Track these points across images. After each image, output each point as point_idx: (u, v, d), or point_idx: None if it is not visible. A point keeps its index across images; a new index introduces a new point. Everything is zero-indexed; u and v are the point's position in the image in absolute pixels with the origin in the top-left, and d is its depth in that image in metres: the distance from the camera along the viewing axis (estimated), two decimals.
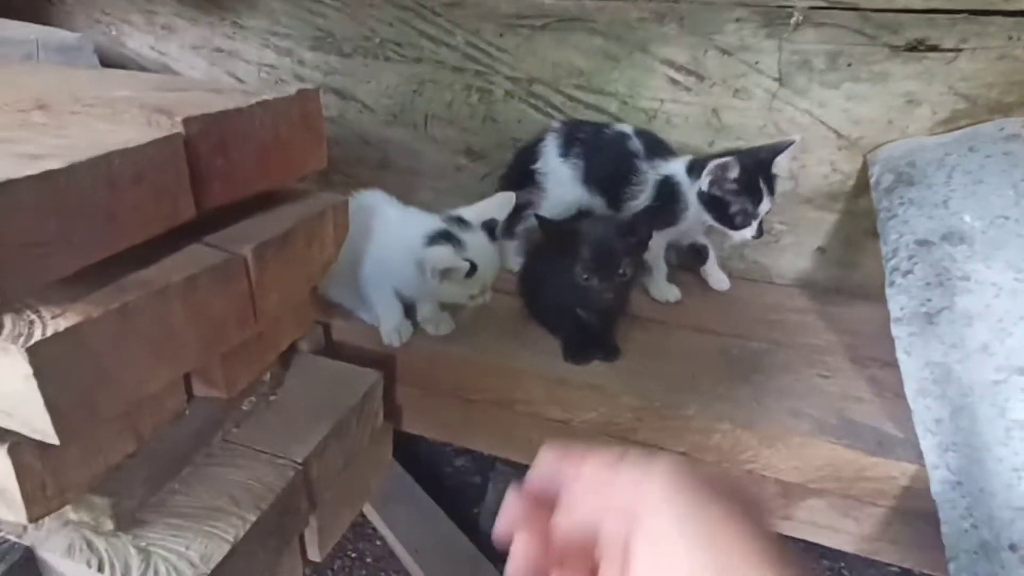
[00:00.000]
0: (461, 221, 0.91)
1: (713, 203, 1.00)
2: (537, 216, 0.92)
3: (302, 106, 0.73)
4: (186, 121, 0.59)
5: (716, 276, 1.18)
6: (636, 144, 1.07)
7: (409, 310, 1.00)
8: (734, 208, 0.99)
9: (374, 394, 0.92)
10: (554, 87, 1.17)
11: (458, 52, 1.20)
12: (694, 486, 0.28)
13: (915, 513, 0.83)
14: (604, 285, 0.88)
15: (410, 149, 1.32)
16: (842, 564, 1.30)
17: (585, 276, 0.88)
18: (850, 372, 0.97)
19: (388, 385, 1.00)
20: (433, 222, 0.92)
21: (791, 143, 0.96)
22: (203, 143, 0.61)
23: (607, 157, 1.08)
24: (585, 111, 1.18)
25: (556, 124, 1.14)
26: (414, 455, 1.48)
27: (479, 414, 1.01)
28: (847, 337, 1.05)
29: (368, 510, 1.28)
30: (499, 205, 0.95)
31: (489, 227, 0.92)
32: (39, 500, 0.60)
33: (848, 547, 0.91)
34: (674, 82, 1.11)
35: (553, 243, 0.92)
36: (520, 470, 1.29)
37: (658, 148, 1.08)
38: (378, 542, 1.26)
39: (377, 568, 1.22)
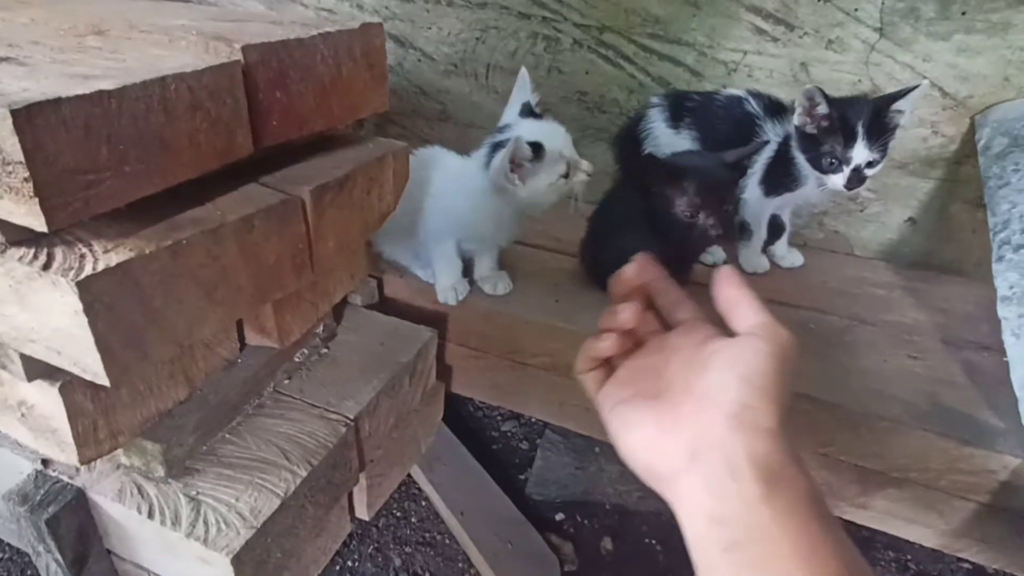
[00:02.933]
0: (501, 128, 0.87)
1: (804, 140, 0.92)
2: (648, 155, 0.84)
3: (365, 41, 0.69)
4: (245, 49, 0.55)
5: (787, 256, 1.09)
6: (754, 106, 0.99)
7: (466, 269, 0.96)
8: (824, 147, 0.90)
9: (428, 352, 0.89)
10: (626, 36, 1.09)
11: None
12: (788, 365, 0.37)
13: (1015, 511, 0.76)
14: (714, 219, 0.81)
15: (469, 101, 1.26)
16: (908, 556, 1.23)
17: (692, 212, 0.81)
18: (942, 354, 0.89)
19: (439, 345, 0.97)
20: (479, 156, 0.87)
21: (913, 89, 0.86)
22: (262, 73, 0.57)
23: (725, 123, 1.01)
24: (659, 63, 1.10)
25: (655, 98, 1.06)
26: (460, 417, 1.46)
27: (532, 379, 0.97)
28: (938, 316, 0.97)
29: (414, 470, 1.26)
30: (519, 89, 0.89)
31: (527, 110, 0.87)
32: (90, 442, 0.58)
33: (929, 542, 0.84)
34: (759, 31, 1.01)
35: (649, 185, 0.84)
36: (570, 438, 1.26)
37: (777, 108, 0.99)
38: (423, 503, 1.24)
39: (422, 529, 1.21)
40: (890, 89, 0.97)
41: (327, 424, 0.73)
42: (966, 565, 1.20)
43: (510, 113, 0.89)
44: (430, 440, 0.99)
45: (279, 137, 0.61)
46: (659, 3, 1.05)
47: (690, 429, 0.37)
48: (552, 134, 0.83)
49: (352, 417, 0.74)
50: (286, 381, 0.79)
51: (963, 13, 0.90)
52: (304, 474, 0.67)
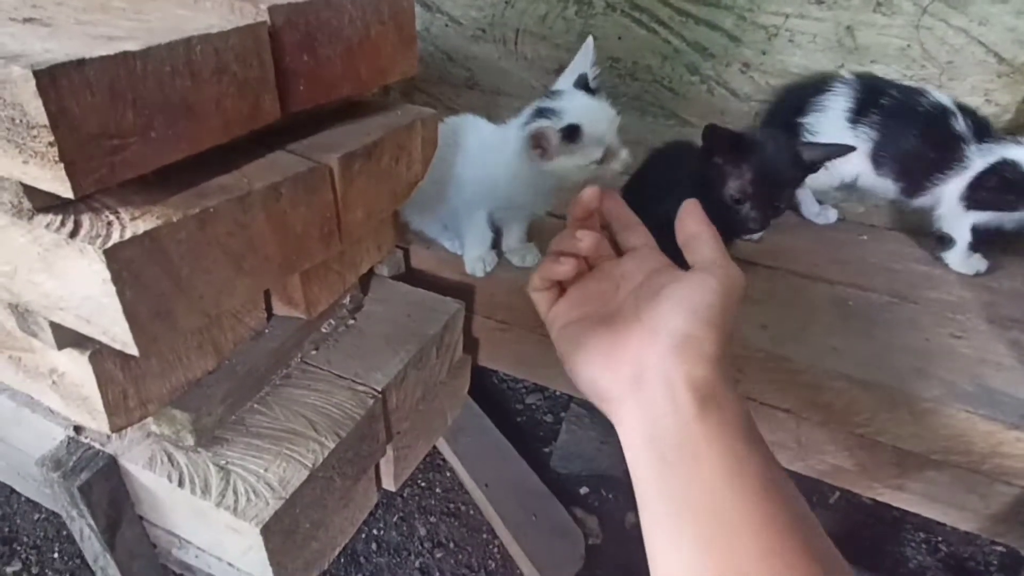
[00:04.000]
0: (552, 93, 0.81)
1: None
2: (710, 125, 0.74)
3: (393, 2, 0.66)
4: (272, 10, 0.53)
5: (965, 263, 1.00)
6: (961, 124, 0.89)
7: (494, 242, 0.94)
8: None
9: (455, 324, 0.88)
10: None
11: None
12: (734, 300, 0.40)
13: None
14: (757, 214, 0.76)
15: (497, 68, 1.22)
16: (939, 538, 1.21)
17: (739, 198, 0.76)
18: (988, 333, 0.86)
19: (466, 317, 0.95)
20: (522, 117, 0.82)
21: None
22: (289, 35, 0.55)
23: (920, 137, 0.91)
24: (695, 27, 1.05)
25: (848, 76, 0.96)
26: (485, 389, 1.46)
27: None
28: (984, 294, 0.93)
29: (439, 441, 1.27)
30: (582, 56, 0.83)
31: (582, 83, 0.81)
32: (121, 410, 0.58)
33: (967, 526, 0.82)
34: None
35: (712, 154, 0.76)
36: (596, 412, 1.25)
37: (986, 130, 0.90)
38: (448, 473, 1.25)
39: (446, 499, 1.21)
40: (941, 55, 0.93)
41: (355, 395, 0.72)
42: (999, 548, 1.17)
43: (565, 80, 0.84)
44: (456, 413, 0.98)
45: (306, 102, 0.59)
46: None
47: (637, 355, 0.39)
48: (598, 116, 0.78)
49: (380, 389, 0.73)
50: (313, 352, 0.78)
51: None
52: (332, 446, 0.66)
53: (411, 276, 0.99)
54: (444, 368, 0.88)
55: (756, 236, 0.99)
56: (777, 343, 0.82)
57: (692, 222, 0.44)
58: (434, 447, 1.28)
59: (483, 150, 0.86)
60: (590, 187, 0.48)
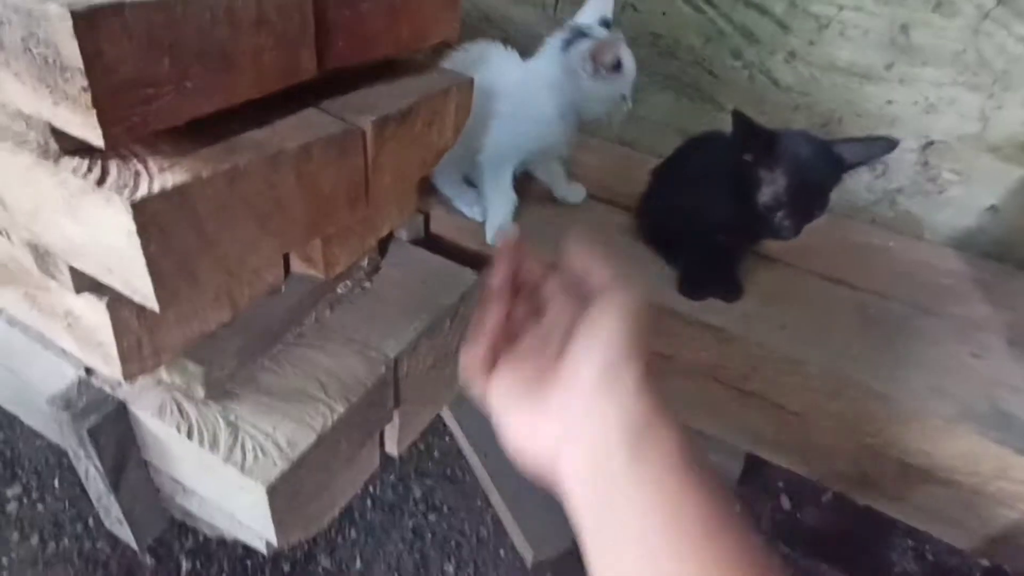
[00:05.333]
0: (578, 27, 0.84)
1: None
2: (736, 112, 0.72)
3: None
4: None
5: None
6: None
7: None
8: None
9: (471, 296, 0.87)
10: None
11: None
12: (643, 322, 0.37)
13: None
14: (790, 223, 0.74)
15: (534, 33, 1.17)
16: (926, 545, 1.22)
17: (772, 206, 0.74)
18: (1008, 355, 0.84)
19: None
20: (556, 39, 0.85)
21: None
22: None
23: None
24: (744, 10, 1.01)
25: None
26: None
27: None
28: (1008, 314, 0.91)
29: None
30: (600, 1, 0.86)
31: (605, 24, 0.85)
32: (135, 358, 0.58)
33: (962, 543, 0.82)
34: None
35: (742, 150, 0.75)
36: None
37: None
38: (448, 439, 1.26)
39: (444, 464, 1.22)
40: (998, 62, 0.89)
41: (367, 361, 0.72)
42: (984, 561, 1.19)
43: (586, 18, 0.86)
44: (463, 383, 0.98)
45: (344, 60, 0.57)
46: None
47: (560, 411, 0.37)
48: (629, 55, 0.83)
49: (392, 356, 0.73)
50: (328, 313, 0.77)
51: None
52: (342, 410, 0.66)
53: (430, 241, 0.98)
54: (456, 339, 0.88)
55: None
56: (794, 345, 0.81)
57: (578, 259, 0.43)
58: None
59: (515, 89, 0.85)
60: (497, 260, 0.45)
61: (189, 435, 0.62)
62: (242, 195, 0.50)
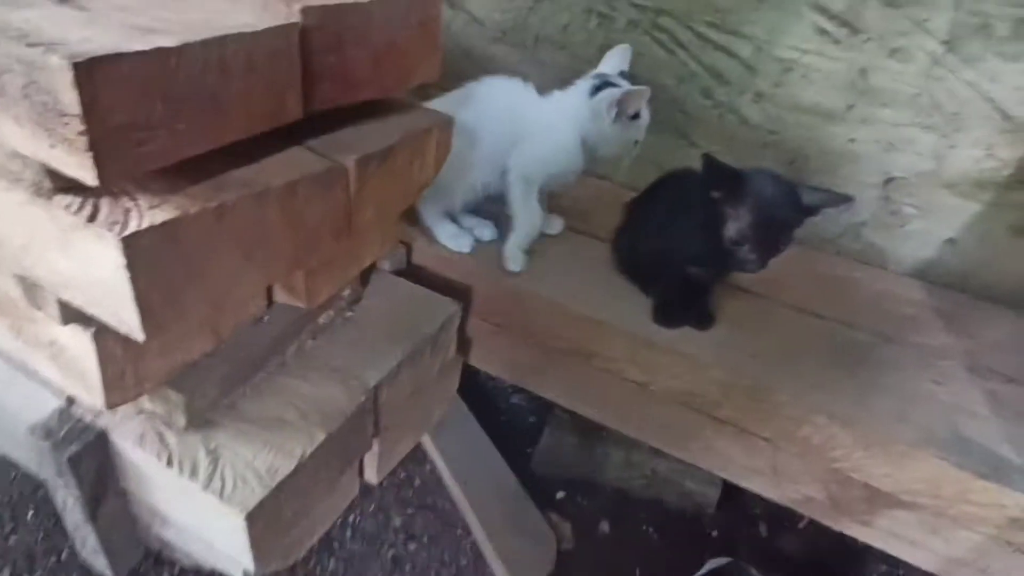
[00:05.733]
0: (603, 77, 0.94)
1: None
2: (706, 155, 0.77)
3: (422, 10, 0.67)
4: (305, 11, 0.54)
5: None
6: None
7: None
8: None
9: (451, 325, 0.89)
10: (684, 22, 1.06)
11: None
12: None
13: (1020, 547, 0.76)
14: (755, 257, 0.78)
15: (514, 71, 1.21)
16: (900, 571, 1.24)
17: (737, 240, 0.77)
18: (967, 382, 0.88)
19: (462, 317, 0.97)
20: (585, 83, 0.94)
21: None
22: (319, 36, 0.56)
23: None
24: (713, 52, 1.06)
25: None
26: (471, 385, 1.47)
27: (553, 362, 0.97)
28: (967, 342, 0.95)
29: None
30: (620, 56, 0.97)
31: (623, 76, 0.95)
32: (117, 387, 0.59)
33: (928, 565, 0.85)
34: (822, 31, 0.98)
35: (709, 188, 0.79)
36: (579, 418, 1.26)
37: None
38: (428, 467, 1.26)
39: (424, 492, 1.23)
40: (950, 105, 0.94)
41: (347, 390, 0.74)
42: None
43: (608, 68, 0.96)
44: (444, 411, 1.00)
45: (330, 101, 0.60)
46: None
47: None
48: (647, 107, 0.92)
49: (372, 385, 0.75)
50: (310, 342, 0.79)
51: None
52: (322, 438, 0.67)
53: (412, 271, 1.00)
54: (436, 368, 0.90)
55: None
56: (764, 373, 0.84)
57: None
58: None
59: (550, 117, 0.93)
60: None
61: (169, 463, 0.63)
62: (229, 230, 0.52)
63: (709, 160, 0.75)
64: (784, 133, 1.07)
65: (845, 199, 0.78)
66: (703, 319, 0.90)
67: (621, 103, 0.88)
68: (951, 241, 1.05)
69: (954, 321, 1.00)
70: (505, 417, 1.42)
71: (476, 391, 1.45)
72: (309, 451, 0.66)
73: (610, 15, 1.10)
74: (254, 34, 0.49)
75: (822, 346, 0.91)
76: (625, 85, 0.91)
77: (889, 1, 0.92)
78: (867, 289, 1.06)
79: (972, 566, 0.81)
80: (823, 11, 0.97)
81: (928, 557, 0.84)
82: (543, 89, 0.99)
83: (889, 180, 1.04)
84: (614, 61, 0.97)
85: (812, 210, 0.77)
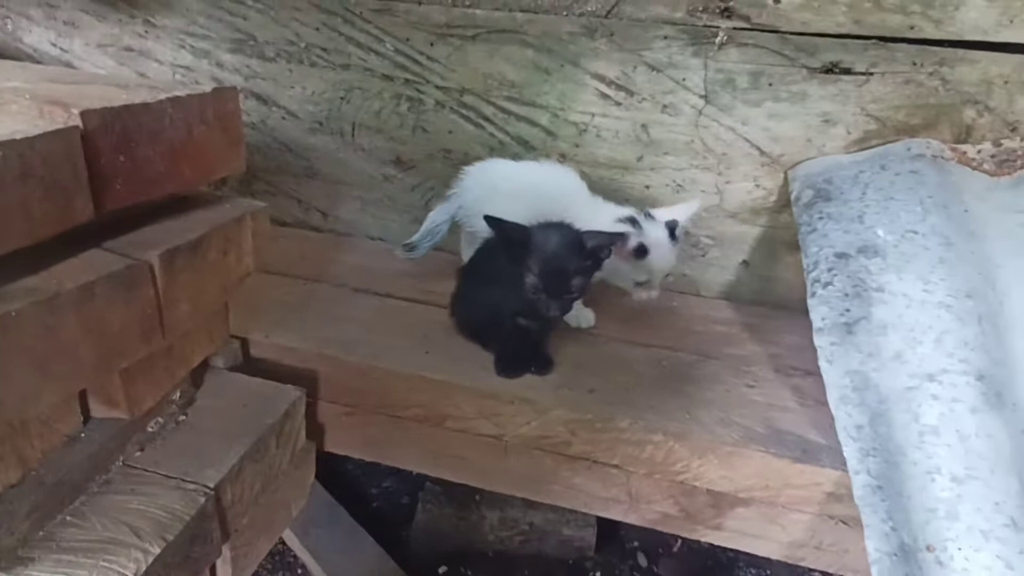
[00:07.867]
0: (648, 215, 1.00)
1: None
2: (488, 217, 0.84)
3: (218, 105, 0.69)
4: (84, 114, 0.54)
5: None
6: None
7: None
8: None
9: (295, 412, 0.87)
10: (485, 98, 1.16)
11: (387, 60, 1.16)
12: None
13: (840, 518, 0.85)
14: (554, 304, 0.85)
15: (336, 158, 1.27)
16: (768, 571, 1.33)
17: (533, 291, 0.85)
18: (775, 382, 0.99)
19: (311, 403, 0.95)
20: (623, 210, 1.01)
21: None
22: (104, 138, 0.56)
23: None
24: (516, 123, 1.17)
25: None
26: (338, 476, 1.42)
27: (407, 431, 0.97)
28: (771, 348, 1.08)
29: (288, 536, 1.21)
30: (685, 209, 1.03)
31: (670, 227, 0.99)
32: None
33: (775, 554, 0.92)
34: (604, 96, 1.12)
35: (503, 248, 0.87)
36: (450, 488, 1.26)
37: None
38: (299, 571, 1.19)
39: None
40: (718, 148, 1.10)
41: (184, 495, 0.70)
42: (817, 574, 1.31)
43: (660, 212, 1.01)
44: (302, 503, 0.96)
45: (124, 201, 0.60)
46: (513, 69, 1.13)
47: None
48: (665, 256, 0.99)
49: (212, 486, 0.71)
50: (138, 453, 0.74)
51: (769, 84, 1.04)
52: (157, 551, 0.63)
53: (251, 366, 0.98)
54: (286, 458, 0.87)
55: (580, 322, 1.09)
56: (603, 405, 0.90)
57: None
58: (283, 543, 1.22)
59: (582, 213, 0.96)
60: None
61: None
62: (16, 342, 0.49)
63: (491, 221, 0.84)
64: (590, 187, 1.19)
65: (620, 236, 0.91)
66: (542, 365, 0.95)
67: (617, 248, 0.93)
68: (745, 263, 1.20)
69: (758, 332, 1.13)
70: (377, 503, 1.39)
71: (344, 482, 1.41)
72: (144, 568, 0.61)
73: (418, 97, 1.18)
74: (26, 140, 0.48)
75: (652, 371, 0.99)
76: (652, 224, 0.98)
77: (652, 66, 1.08)
78: (685, 315, 1.17)
79: (808, 545, 0.89)
80: (601, 79, 1.10)
81: (773, 546, 0.91)
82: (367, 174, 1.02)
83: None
84: (680, 209, 1.03)
85: (596, 251, 0.86)
